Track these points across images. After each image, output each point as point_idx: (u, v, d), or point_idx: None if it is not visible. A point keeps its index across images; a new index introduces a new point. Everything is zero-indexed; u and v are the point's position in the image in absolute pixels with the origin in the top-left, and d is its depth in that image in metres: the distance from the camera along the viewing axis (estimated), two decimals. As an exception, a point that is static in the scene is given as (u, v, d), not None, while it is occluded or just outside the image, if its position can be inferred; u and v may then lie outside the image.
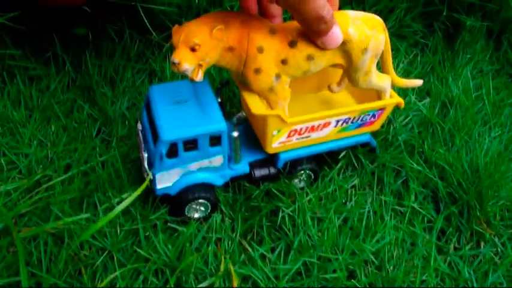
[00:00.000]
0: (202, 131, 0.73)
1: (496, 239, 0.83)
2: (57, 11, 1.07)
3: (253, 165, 0.83)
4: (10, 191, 0.85)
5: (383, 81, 0.81)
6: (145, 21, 1.04)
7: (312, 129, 0.79)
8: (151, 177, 0.76)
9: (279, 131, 0.76)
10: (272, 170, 0.83)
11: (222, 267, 0.74)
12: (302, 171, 0.85)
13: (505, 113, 1.06)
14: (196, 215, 0.81)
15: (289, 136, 0.78)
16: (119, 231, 0.78)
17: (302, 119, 0.76)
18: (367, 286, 0.73)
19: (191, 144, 0.74)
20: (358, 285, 0.72)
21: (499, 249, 0.82)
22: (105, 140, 0.96)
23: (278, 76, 0.73)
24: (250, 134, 0.85)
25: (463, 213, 0.85)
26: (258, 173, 0.83)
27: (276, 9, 0.78)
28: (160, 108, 0.75)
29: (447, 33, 1.28)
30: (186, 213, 0.80)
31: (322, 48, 0.71)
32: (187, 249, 0.75)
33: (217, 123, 0.73)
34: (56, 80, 1.06)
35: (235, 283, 0.71)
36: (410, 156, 0.93)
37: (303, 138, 0.80)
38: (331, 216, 0.81)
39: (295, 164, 0.84)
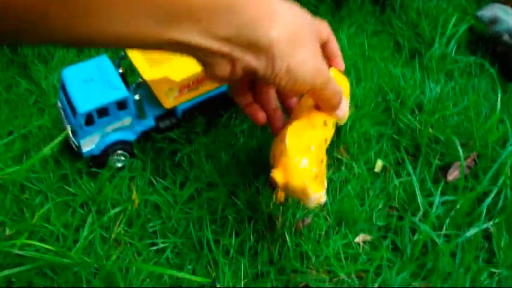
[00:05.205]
0: (109, 99, 0.91)
1: (354, 163, 1.05)
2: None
3: (158, 119, 1.02)
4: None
5: None
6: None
7: (198, 81, 0.98)
8: (77, 144, 0.95)
9: (170, 89, 0.96)
10: (173, 121, 1.03)
11: (133, 196, 0.95)
12: (199, 117, 1.04)
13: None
14: (119, 164, 1.01)
15: (181, 91, 0.98)
16: (52, 176, 0.98)
17: (186, 77, 0.94)
18: (245, 202, 0.95)
19: (103, 112, 0.92)
20: (237, 202, 0.94)
21: (355, 171, 1.04)
22: (40, 108, 1.14)
23: None
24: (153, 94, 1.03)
25: (327, 144, 1.07)
26: (163, 124, 1.02)
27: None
28: (73, 88, 0.93)
29: (336, 2, 1.49)
30: (111, 163, 0.99)
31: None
32: (106, 186, 0.96)
33: (120, 91, 0.92)
34: (-4, 61, 1.24)
35: (136, 203, 0.93)
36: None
37: (193, 90, 0.99)
38: (221, 153, 1.02)
39: (191, 112, 1.03)
